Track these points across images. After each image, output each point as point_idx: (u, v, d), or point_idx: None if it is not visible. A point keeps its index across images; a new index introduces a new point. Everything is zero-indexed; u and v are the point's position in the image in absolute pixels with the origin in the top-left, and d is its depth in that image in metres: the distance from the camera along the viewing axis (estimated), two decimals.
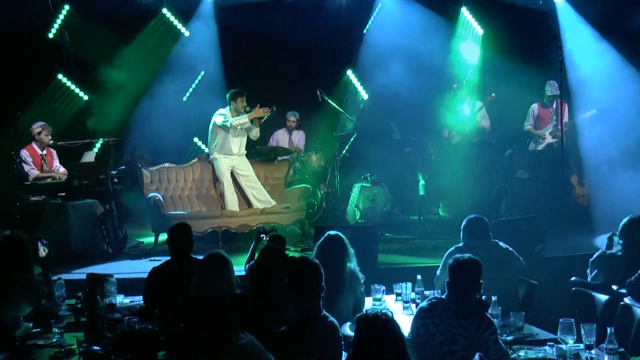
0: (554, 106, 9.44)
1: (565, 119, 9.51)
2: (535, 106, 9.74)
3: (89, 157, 8.98)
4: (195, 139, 11.04)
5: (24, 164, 8.22)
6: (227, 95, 8.78)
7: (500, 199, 8.84)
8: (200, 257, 5.11)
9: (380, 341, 2.93)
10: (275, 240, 5.53)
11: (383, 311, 3.06)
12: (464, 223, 5.34)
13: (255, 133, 9.01)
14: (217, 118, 8.67)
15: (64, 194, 7.87)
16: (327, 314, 3.80)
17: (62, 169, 8.57)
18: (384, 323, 2.97)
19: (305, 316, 3.71)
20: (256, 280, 4.43)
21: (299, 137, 10.67)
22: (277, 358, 3.48)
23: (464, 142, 9.49)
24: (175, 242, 5.13)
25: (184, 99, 11.02)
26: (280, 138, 10.61)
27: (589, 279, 5.21)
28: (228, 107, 8.76)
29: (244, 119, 8.60)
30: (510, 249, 5.32)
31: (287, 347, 3.57)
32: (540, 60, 9.97)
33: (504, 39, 10.72)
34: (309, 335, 3.64)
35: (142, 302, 5.07)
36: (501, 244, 5.29)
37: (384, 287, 5.13)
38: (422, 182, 9.49)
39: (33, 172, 8.27)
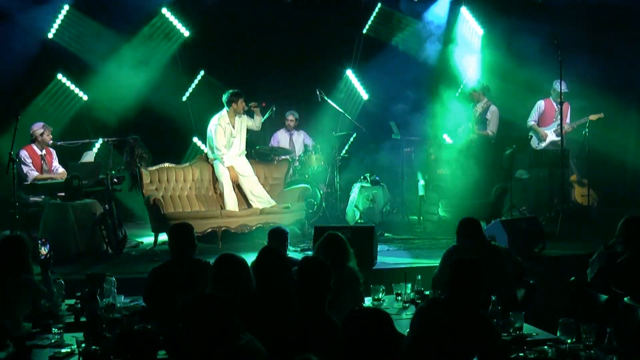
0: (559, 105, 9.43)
1: (568, 119, 9.51)
2: (541, 103, 9.71)
3: (89, 157, 8.98)
4: (195, 139, 11.04)
5: (23, 165, 8.21)
6: (224, 97, 8.70)
7: (500, 199, 8.84)
8: (199, 257, 5.14)
9: (371, 336, 2.94)
10: (276, 233, 5.56)
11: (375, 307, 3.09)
12: (457, 225, 5.40)
13: (258, 123, 8.99)
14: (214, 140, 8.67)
15: (63, 194, 7.87)
16: (329, 314, 3.80)
17: (61, 169, 8.57)
18: (375, 318, 2.99)
19: (311, 316, 3.71)
20: (257, 281, 4.42)
21: (302, 137, 10.64)
22: (279, 358, 3.48)
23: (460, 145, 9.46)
24: (175, 243, 5.11)
25: (184, 99, 11.02)
26: (281, 139, 10.59)
27: (588, 279, 5.21)
28: (225, 109, 8.73)
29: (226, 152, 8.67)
30: (505, 248, 5.33)
31: (290, 347, 3.58)
32: (540, 60, 9.98)
33: (504, 38, 10.72)
34: (313, 335, 3.64)
35: (142, 302, 5.06)
36: (495, 244, 5.32)
37: (383, 287, 5.13)
38: (422, 182, 9.49)
39: (32, 173, 8.27)
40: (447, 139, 9.98)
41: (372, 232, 7.25)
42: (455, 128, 9.63)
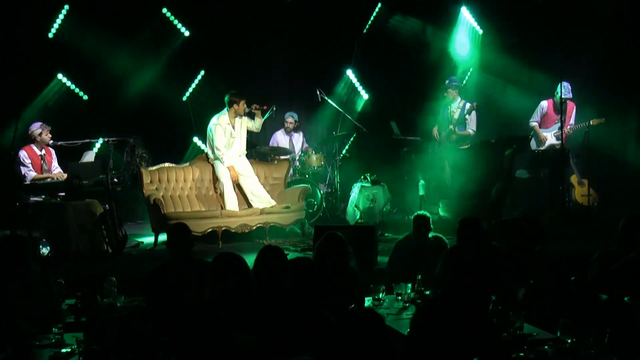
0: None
1: (572, 119, 9.49)
2: (545, 103, 9.64)
3: (89, 157, 8.98)
4: (195, 139, 11.04)
5: (21, 166, 8.19)
6: (226, 97, 8.72)
7: (501, 199, 8.84)
8: (199, 257, 5.14)
9: (361, 337, 2.96)
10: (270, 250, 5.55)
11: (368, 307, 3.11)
12: (457, 225, 5.40)
13: (259, 124, 8.99)
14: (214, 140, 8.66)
15: (64, 194, 7.87)
16: (328, 314, 3.80)
17: (57, 170, 8.56)
18: (366, 319, 3.01)
19: (308, 317, 3.71)
20: (257, 281, 4.42)
21: (301, 139, 10.61)
22: (278, 357, 3.49)
23: (450, 144, 9.43)
24: (174, 243, 5.11)
25: (184, 99, 11.02)
26: (280, 140, 10.56)
27: (589, 279, 5.21)
28: (226, 109, 8.72)
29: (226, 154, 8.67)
30: (505, 248, 5.34)
31: (289, 347, 3.58)
32: (540, 60, 9.97)
33: (504, 38, 10.73)
34: (312, 335, 3.64)
35: (142, 302, 5.06)
36: (496, 244, 5.32)
37: (383, 287, 5.13)
38: (422, 182, 9.48)
39: (30, 174, 8.24)
40: (435, 137, 9.93)
41: (372, 232, 7.25)
42: (442, 127, 9.59)
